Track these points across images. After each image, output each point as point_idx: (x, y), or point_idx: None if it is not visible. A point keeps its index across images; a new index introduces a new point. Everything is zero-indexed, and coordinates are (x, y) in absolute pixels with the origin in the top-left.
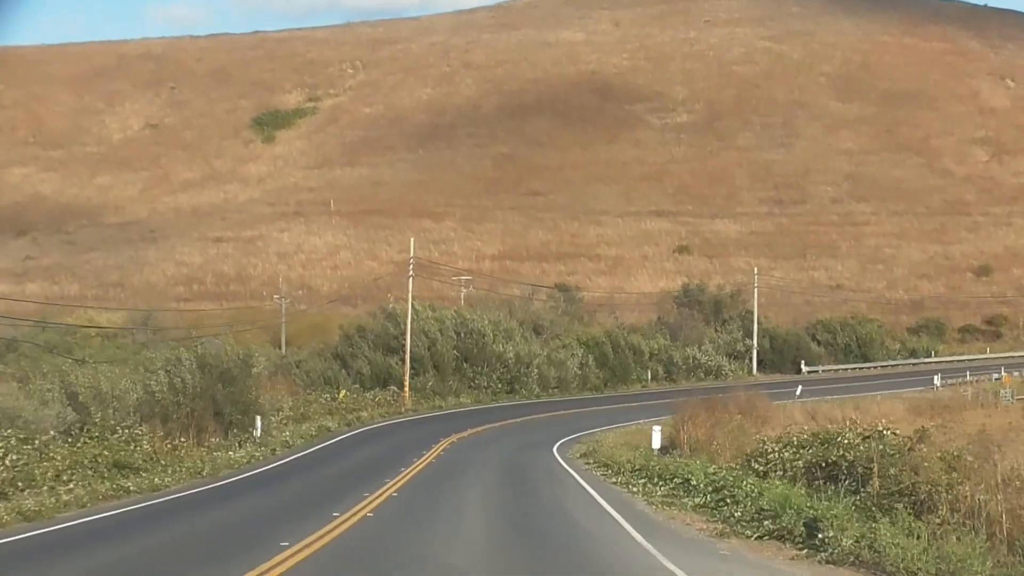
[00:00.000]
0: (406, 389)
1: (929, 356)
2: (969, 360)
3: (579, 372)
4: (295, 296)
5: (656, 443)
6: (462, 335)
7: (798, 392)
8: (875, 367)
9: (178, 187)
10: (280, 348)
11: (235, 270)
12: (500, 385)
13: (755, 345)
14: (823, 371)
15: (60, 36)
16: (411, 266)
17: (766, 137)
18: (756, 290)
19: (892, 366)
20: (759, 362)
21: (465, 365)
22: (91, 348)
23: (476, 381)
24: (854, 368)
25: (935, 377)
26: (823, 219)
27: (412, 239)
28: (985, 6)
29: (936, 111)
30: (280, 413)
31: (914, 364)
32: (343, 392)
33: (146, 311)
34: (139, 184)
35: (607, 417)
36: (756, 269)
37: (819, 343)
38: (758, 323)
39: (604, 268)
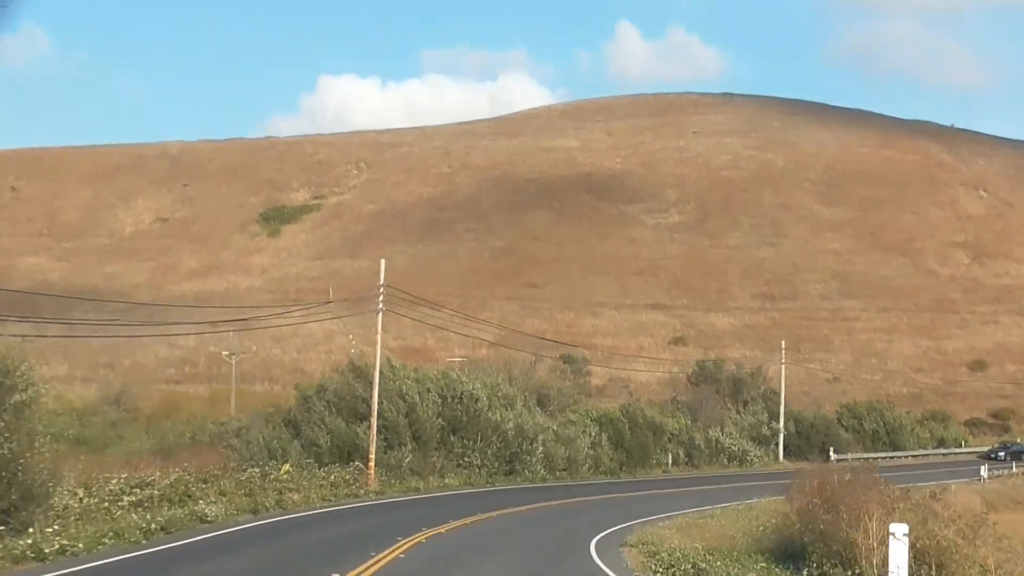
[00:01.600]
0: (371, 464)
1: (960, 446)
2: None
3: (591, 452)
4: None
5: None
6: (449, 399)
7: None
8: (906, 456)
9: (184, 276)
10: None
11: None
12: (497, 464)
13: (782, 429)
14: (852, 458)
15: (81, 138)
16: (381, 290)
17: (755, 236)
18: (783, 367)
19: (924, 455)
20: (785, 448)
21: (453, 438)
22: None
23: (466, 458)
24: (885, 457)
25: (982, 468)
26: (814, 314)
27: (383, 261)
28: (952, 126)
29: (916, 215)
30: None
31: (944, 455)
32: (285, 467)
33: (120, 388)
34: (146, 272)
35: (641, 504)
36: (784, 343)
37: (846, 429)
38: (784, 405)
39: (600, 357)
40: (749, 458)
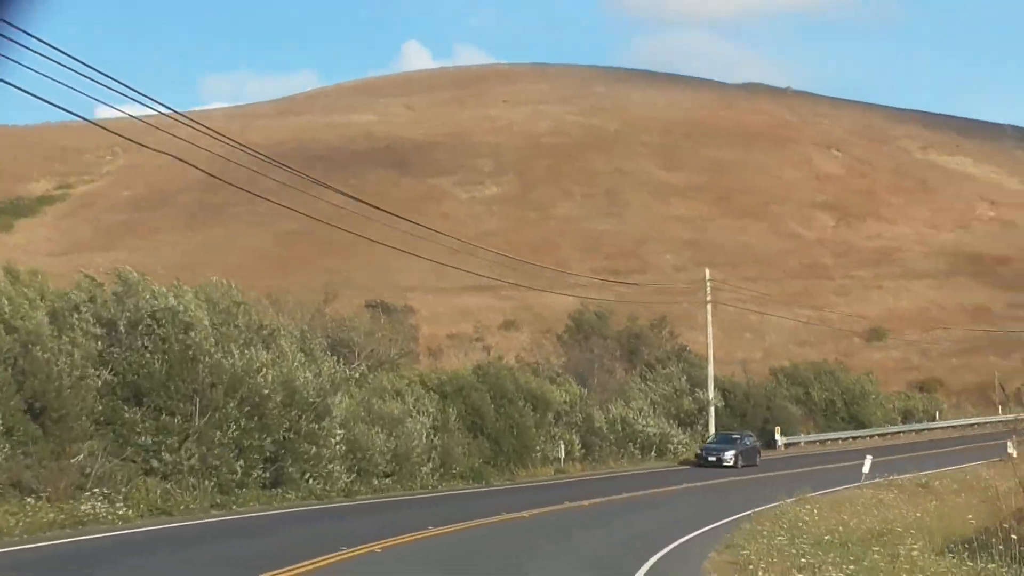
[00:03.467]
0: None
1: (934, 419)
2: (977, 424)
3: (433, 442)
4: None
5: None
6: (126, 330)
7: (867, 467)
8: (873, 435)
9: None
10: None
11: None
12: (242, 465)
13: (712, 399)
14: (805, 442)
15: None
16: None
17: (590, 206)
18: (710, 309)
19: (893, 434)
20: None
21: (132, 411)
22: None
23: (163, 456)
24: (848, 438)
25: (1009, 444)
26: (669, 288)
27: None
28: (789, 88)
29: (770, 177)
30: None
31: (917, 432)
32: None
33: None
34: None
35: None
36: (708, 273)
37: (793, 401)
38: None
39: (418, 349)
40: (672, 446)
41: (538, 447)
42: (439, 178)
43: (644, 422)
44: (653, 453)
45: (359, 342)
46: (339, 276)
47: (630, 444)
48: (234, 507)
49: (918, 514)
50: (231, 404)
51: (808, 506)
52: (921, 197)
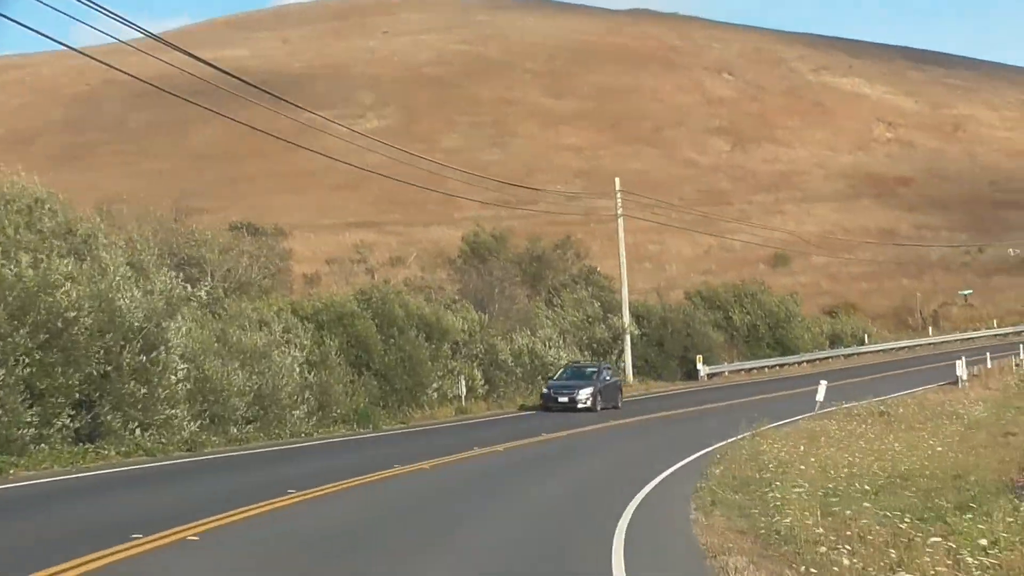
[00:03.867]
0: None
1: (863, 343)
2: (907, 347)
3: (308, 380)
4: None
5: None
6: None
7: (821, 394)
8: (802, 361)
9: None
10: None
11: None
12: (40, 405)
13: (627, 326)
14: (729, 371)
15: None
16: None
17: (476, 137)
18: (621, 224)
19: (823, 359)
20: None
21: None
22: None
23: None
24: (776, 365)
25: (959, 365)
26: (562, 218)
27: None
28: (676, 14)
29: (661, 103)
30: None
31: (846, 357)
32: None
33: None
34: None
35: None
36: (617, 182)
37: (714, 326)
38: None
39: (299, 288)
40: None
41: (435, 384)
42: (318, 112)
43: (556, 354)
44: None
45: (212, 260)
46: (215, 217)
47: (539, 379)
48: (13, 471)
49: (911, 448)
50: (21, 331)
51: (774, 443)
52: (817, 119)
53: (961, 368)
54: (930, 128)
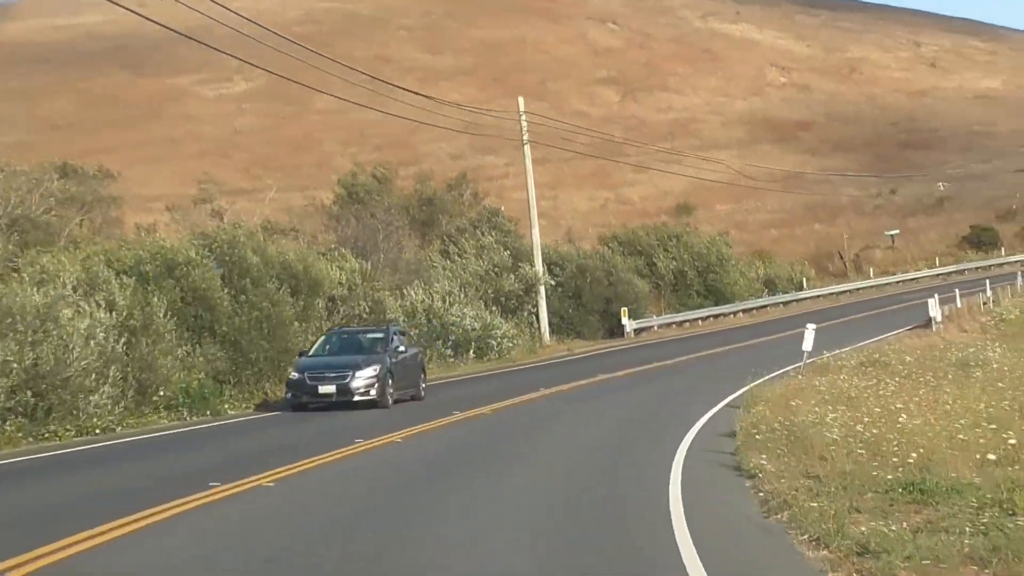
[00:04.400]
0: None
1: (800, 289)
2: (849, 292)
3: (119, 354)
4: None
5: None
6: None
7: (809, 342)
8: (738, 311)
9: None
10: None
11: None
12: None
13: (543, 277)
14: (658, 326)
15: None
16: None
17: (352, 97)
18: (528, 152)
19: (760, 308)
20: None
21: None
22: None
23: None
24: (710, 317)
25: (932, 305)
26: (447, 177)
27: None
28: None
29: (546, 55)
30: None
31: (785, 304)
32: None
33: None
34: None
35: None
36: (521, 103)
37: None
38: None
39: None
40: (495, 341)
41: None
42: (181, 77)
43: (458, 311)
44: (472, 353)
45: None
46: None
47: (439, 342)
48: None
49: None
50: None
51: (796, 414)
52: (708, 67)
53: (935, 309)
54: (825, 72)
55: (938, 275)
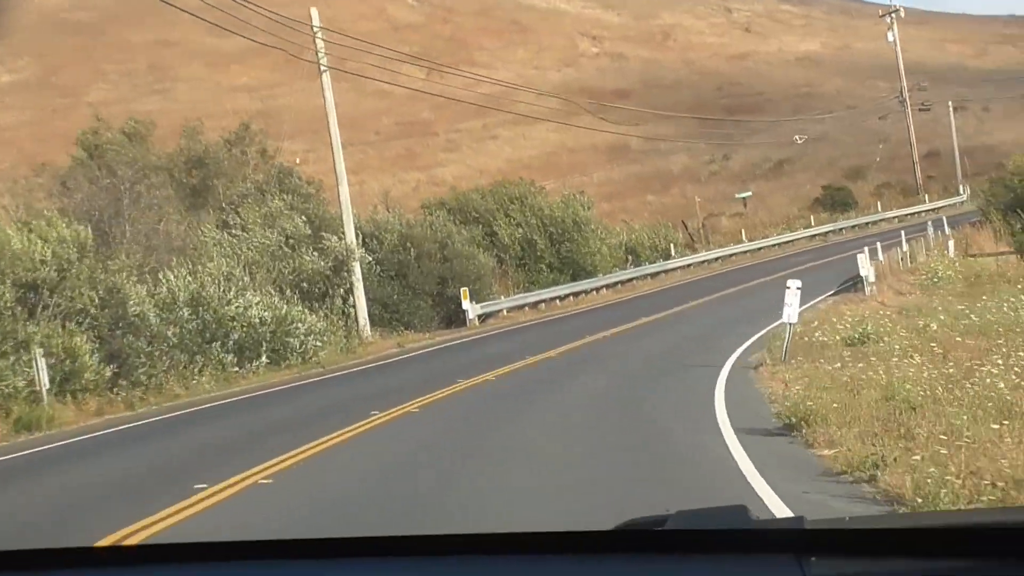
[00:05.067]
0: None
1: (668, 257)
2: (720, 259)
3: None
4: None
5: None
6: None
7: (792, 312)
8: (601, 286)
9: None
10: None
11: None
12: None
13: (356, 249)
14: (508, 309)
15: None
16: None
17: (129, 86)
18: (327, 83)
19: (626, 282)
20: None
21: None
22: None
23: None
24: (569, 295)
25: (861, 267)
26: (239, 171)
27: None
28: None
29: (343, 32)
30: None
31: (653, 276)
32: None
33: None
34: None
35: None
36: (315, 14)
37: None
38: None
39: None
40: (296, 339)
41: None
42: None
43: (238, 301)
44: (263, 358)
45: None
46: None
47: (215, 344)
48: None
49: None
50: None
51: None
52: (517, 39)
53: (865, 267)
54: (638, 40)
55: (814, 236)
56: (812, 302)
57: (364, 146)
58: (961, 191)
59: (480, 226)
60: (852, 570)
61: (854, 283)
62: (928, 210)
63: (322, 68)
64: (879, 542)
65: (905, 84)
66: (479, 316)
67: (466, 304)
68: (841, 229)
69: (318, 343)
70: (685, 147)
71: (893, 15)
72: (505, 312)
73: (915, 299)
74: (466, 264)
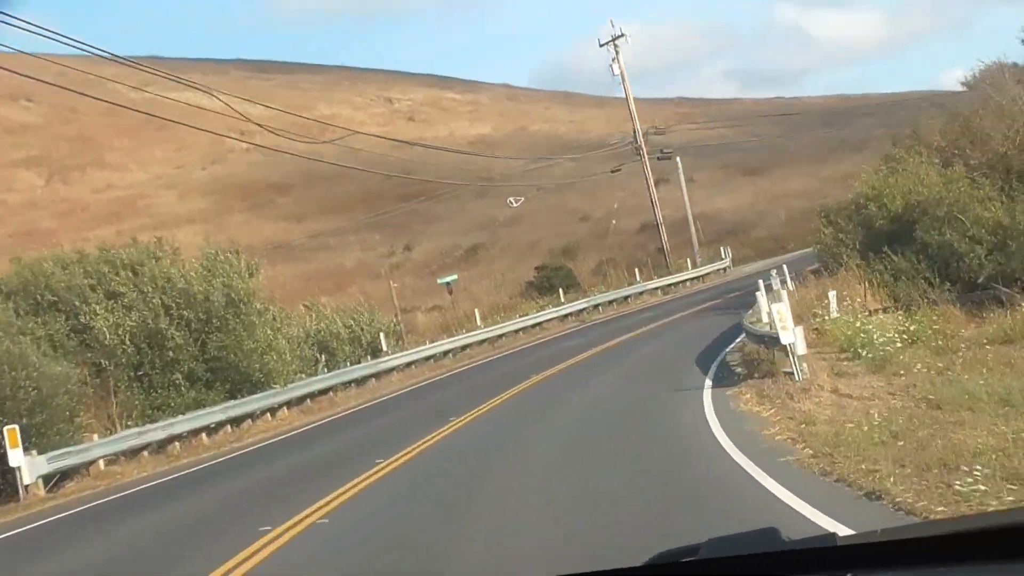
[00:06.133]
0: None
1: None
2: (450, 352)
3: None
4: None
5: None
6: None
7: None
8: (279, 404)
9: None
10: None
11: None
12: None
13: None
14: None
15: None
16: None
17: None
18: None
19: (318, 396)
20: None
21: None
22: None
23: None
24: (230, 423)
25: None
26: None
27: None
28: None
29: None
30: None
31: (359, 383)
32: None
33: None
34: None
35: None
36: None
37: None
38: None
39: None
40: None
41: None
42: None
43: None
44: None
45: None
46: None
47: None
48: None
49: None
50: None
51: None
52: (155, 136)
53: (789, 330)
54: (293, 132)
55: (567, 315)
56: (708, 405)
57: None
58: (723, 254)
59: (64, 316)
60: None
61: (755, 363)
62: (694, 277)
63: None
64: (913, 552)
65: (639, 127)
66: (46, 477)
67: (16, 455)
68: (597, 306)
69: None
70: (358, 240)
71: (617, 43)
72: (102, 466)
73: (881, 384)
74: (21, 380)
